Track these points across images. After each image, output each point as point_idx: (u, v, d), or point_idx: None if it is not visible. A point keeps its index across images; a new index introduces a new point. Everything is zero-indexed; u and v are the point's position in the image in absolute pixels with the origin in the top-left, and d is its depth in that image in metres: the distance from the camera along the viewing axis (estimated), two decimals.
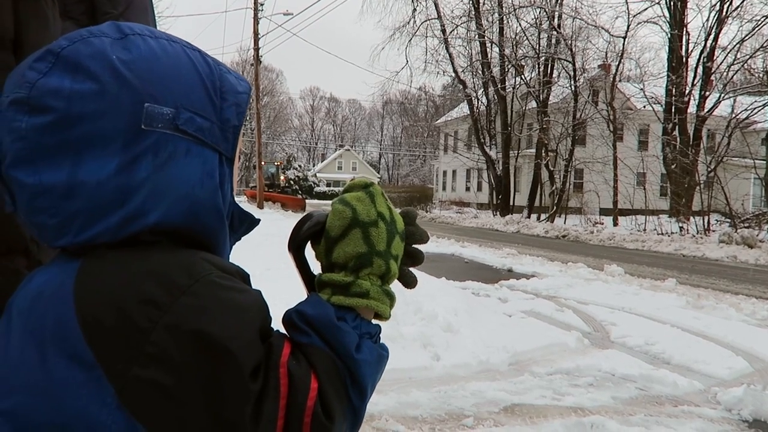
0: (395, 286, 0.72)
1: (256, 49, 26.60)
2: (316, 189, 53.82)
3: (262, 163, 30.74)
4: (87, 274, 0.58)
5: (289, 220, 15.94)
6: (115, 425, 0.54)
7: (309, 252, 0.72)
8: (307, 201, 32.05)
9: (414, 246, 0.74)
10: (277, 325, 0.65)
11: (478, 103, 29.48)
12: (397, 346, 4.07)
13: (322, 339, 0.62)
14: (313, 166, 69.86)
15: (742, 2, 21.05)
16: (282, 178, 35.05)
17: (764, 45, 19.74)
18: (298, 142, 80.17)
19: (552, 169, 26.18)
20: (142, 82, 0.60)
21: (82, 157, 0.58)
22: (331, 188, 56.56)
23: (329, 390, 0.59)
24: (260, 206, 24.56)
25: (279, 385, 0.57)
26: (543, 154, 26.34)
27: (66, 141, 0.58)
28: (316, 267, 0.72)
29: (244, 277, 0.65)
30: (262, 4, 26.42)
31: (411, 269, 0.75)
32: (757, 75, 21.35)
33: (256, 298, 0.62)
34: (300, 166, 50.81)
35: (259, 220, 0.73)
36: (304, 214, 0.73)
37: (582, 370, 4.32)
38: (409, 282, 0.74)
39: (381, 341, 0.69)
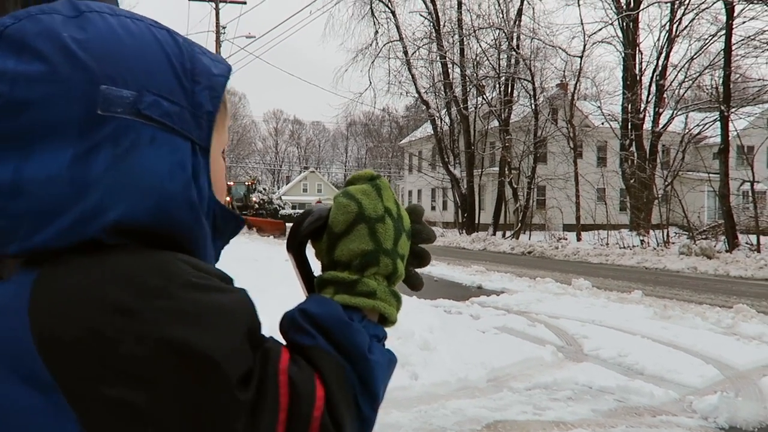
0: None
1: None
2: (282, 212, 53.45)
3: (231, 183, 29.92)
4: (43, 283, 0.50)
5: (259, 243, 15.72)
6: None
7: (310, 251, 0.66)
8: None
9: (420, 246, 0.68)
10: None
11: (441, 122, 29.89)
12: None
13: (329, 340, 0.55)
14: (278, 188, 69.41)
15: (690, 22, 22.02)
16: (253, 199, 32.68)
17: (712, 63, 20.59)
18: (262, 165, 79.64)
19: (515, 186, 26.64)
20: (98, 63, 0.52)
21: (31, 149, 0.51)
22: (296, 210, 56.22)
23: (339, 398, 0.52)
24: None
25: (278, 395, 0.50)
26: (506, 171, 26.78)
27: (11, 130, 0.50)
28: (316, 268, 0.66)
29: (226, 279, 0.57)
30: (224, 27, 26.33)
31: (417, 270, 0.69)
32: (707, 92, 22.24)
33: (241, 299, 0.54)
34: (264, 189, 50.10)
35: (243, 220, 0.65)
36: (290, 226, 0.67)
37: (560, 383, 4.32)
38: (416, 284, 0.69)
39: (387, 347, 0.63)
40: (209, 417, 0.48)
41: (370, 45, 28.32)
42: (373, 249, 0.61)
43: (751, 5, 17.38)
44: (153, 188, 0.54)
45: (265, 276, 6.86)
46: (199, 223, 0.58)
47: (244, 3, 27.70)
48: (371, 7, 27.85)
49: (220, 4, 26.95)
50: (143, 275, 0.50)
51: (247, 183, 33.22)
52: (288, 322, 0.58)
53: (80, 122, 0.51)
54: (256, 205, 31.79)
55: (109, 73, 0.53)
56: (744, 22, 18.13)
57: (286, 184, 72.77)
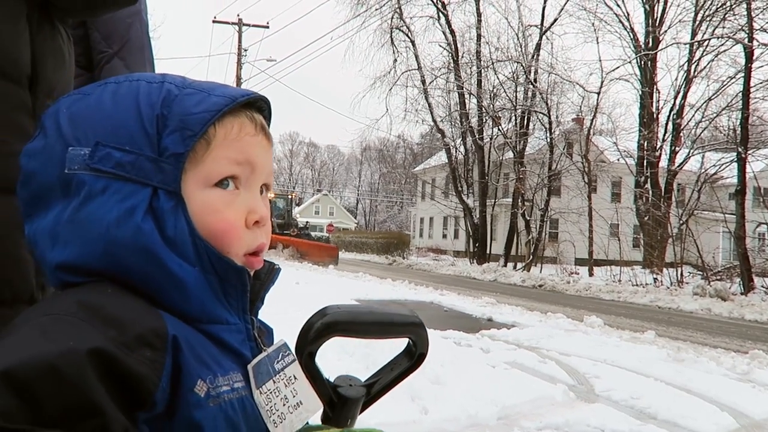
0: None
1: None
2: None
3: (271, 196, 28.19)
4: None
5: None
6: None
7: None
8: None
9: None
10: None
11: (456, 152, 30.01)
12: (385, 399, 3.96)
13: None
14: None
15: (709, 64, 22.08)
16: (298, 216, 26.95)
17: (730, 104, 20.58)
18: (276, 186, 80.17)
19: (528, 218, 26.55)
20: (71, 128, 0.61)
21: (41, 209, 0.61)
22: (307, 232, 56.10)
23: None
24: None
25: None
26: (519, 203, 26.74)
27: (31, 195, 0.62)
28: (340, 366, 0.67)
29: (142, 335, 0.54)
30: (246, 50, 26.81)
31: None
32: (723, 132, 22.20)
33: (60, 357, 0.48)
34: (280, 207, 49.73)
35: (244, 271, 0.64)
36: (318, 310, 0.62)
37: (571, 425, 4.25)
38: None
39: None
40: None
41: (389, 72, 28.68)
42: None
43: None
44: (99, 235, 0.59)
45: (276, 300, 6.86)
46: (161, 268, 0.59)
47: (267, 27, 28.25)
48: (391, 36, 28.28)
49: (243, 28, 27.51)
50: (41, 307, 0.56)
51: (289, 195, 27.22)
52: None
53: (59, 182, 0.60)
54: (305, 223, 25.70)
55: (78, 135, 0.61)
56: (762, 66, 18.18)
57: (299, 206, 73.13)
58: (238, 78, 27.00)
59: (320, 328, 0.60)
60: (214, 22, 27.89)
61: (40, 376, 0.46)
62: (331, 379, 0.62)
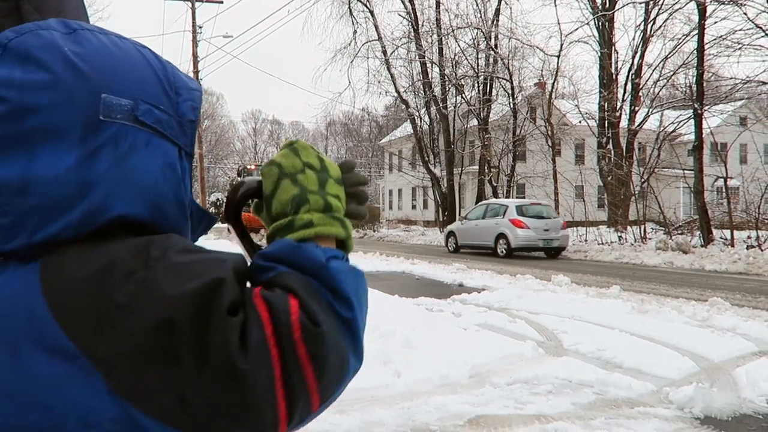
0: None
1: (196, 72, 26.18)
2: None
3: (251, 167, 27.24)
4: (51, 268, 0.56)
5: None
6: (108, 412, 0.52)
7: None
8: None
9: (355, 188, 0.73)
10: None
11: (420, 122, 29.96)
12: None
13: (287, 265, 0.61)
14: None
15: (664, 22, 22.38)
16: None
17: (686, 62, 20.95)
18: (241, 165, 79.01)
19: (495, 184, 26.82)
20: (98, 74, 0.59)
21: (37, 151, 0.56)
22: None
23: (311, 302, 0.57)
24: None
25: (258, 312, 0.56)
26: (486, 170, 26.96)
27: (19, 133, 0.55)
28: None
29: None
30: (200, 27, 26.09)
31: (358, 207, 0.75)
32: (681, 90, 22.61)
33: (228, 254, 0.61)
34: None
35: (216, 218, 0.72)
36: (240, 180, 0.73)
37: (540, 378, 4.38)
38: (359, 215, 0.74)
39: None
40: (212, 339, 0.53)
41: (349, 44, 28.23)
42: (299, 192, 0.67)
43: (722, 6, 17.72)
44: (149, 187, 0.61)
45: None
46: (185, 219, 0.66)
47: (221, 2, 27.47)
48: (349, 7, 27.80)
49: (197, 4, 26.70)
50: (145, 247, 0.57)
51: None
52: (253, 270, 0.63)
53: (84, 127, 0.58)
54: None
55: (108, 83, 0.60)
56: (716, 22, 18.49)
57: None
58: (195, 56, 26.28)
59: (247, 187, 0.71)
60: None
61: (241, 273, 0.59)
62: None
